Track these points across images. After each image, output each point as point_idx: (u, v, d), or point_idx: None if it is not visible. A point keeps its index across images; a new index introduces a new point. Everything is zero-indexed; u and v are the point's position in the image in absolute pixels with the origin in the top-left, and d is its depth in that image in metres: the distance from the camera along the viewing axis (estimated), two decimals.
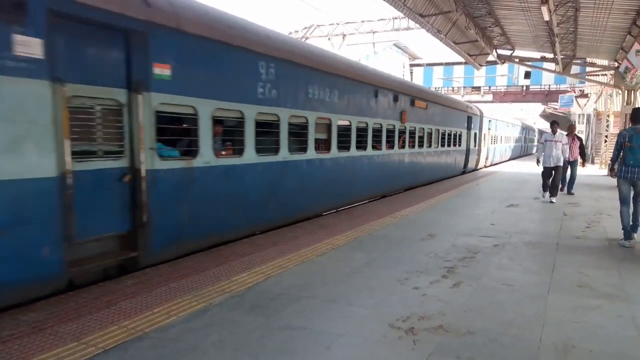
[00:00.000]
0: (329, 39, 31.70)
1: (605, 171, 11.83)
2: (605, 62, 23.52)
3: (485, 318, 4.19)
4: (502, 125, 29.83)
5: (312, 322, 4.07)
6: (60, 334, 3.70)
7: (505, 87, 45.86)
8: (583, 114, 31.67)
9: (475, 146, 22.43)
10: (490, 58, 24.21)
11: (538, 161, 12.40)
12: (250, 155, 7.06)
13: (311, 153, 8.71)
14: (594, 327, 4.05)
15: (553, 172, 11.87)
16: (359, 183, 10.77)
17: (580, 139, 14.24)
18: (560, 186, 12.87)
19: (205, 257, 6.10)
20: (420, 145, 14.56)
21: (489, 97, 45.90)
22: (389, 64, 39.44)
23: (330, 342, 3.69)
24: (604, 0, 13.42)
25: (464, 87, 46.74)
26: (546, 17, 13.77)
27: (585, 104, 30.87)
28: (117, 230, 5.30)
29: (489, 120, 25.34)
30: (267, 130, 7.50)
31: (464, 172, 20.84)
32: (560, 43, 18.40)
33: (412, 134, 13.66)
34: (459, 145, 19.49)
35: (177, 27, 5.68)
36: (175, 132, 6.08)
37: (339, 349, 3.60)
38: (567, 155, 12.04)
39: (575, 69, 26.39)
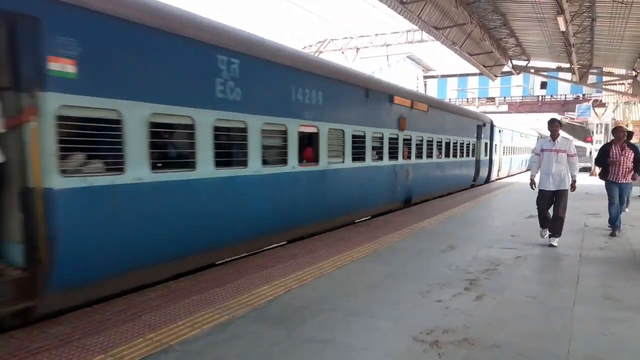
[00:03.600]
0: (342, 52, 31.85)
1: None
2: (622, 71, 23.28)
3: (510, 331, 4.14)
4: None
5: (335, 336, 4.05)
6: (88, 346, 3.74)
7: (521, 98, 45.48)
8: (601, 124, 31.26)
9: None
10: (506, 69, 24.15)
11: (532, 183, 8.32)
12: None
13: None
14: (623, 339, 3.97)
15: (554, 198, 7.87)
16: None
17: (635, 149, 9.10)
18: (612, 221, 8.87)
19: (226, 270, 6.13)
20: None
21: (504, 108, 45.56)
22: (403, 76, 39.50)
23: (355, 355, 3.67)
24: (621, 10, 13.34)
25: (478, 98, 46.51)
26: (562, 28, 13.73)
27: (602, 114, 30.49)
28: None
29: None
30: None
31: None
32: (576, 53, 18.29)
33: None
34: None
35: None
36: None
37: None
38: (575, 172, 7.82)
39: (592, 79, 26.16)
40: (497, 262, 6.60)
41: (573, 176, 7.77)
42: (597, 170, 16.29)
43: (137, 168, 5.17)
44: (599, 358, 3.61)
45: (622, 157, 8.82)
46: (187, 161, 5.90)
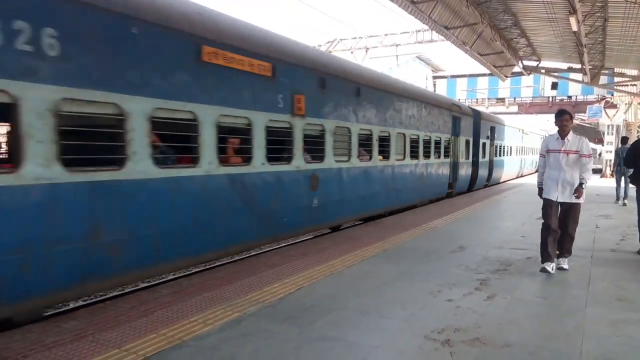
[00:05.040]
0: (352, 52, 31.85)
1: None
2: (634, 72, 23.07)
3: (522, 331, 4.13)
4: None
5: (346, 334, 4.07)
6: (102, 341, 3.79)
7: (531, 98, 45.25)
8: (612, 125, 31.00)
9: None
10: (516, 69, 24.01)
11: (540, 190, 6.52)
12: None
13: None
14: (635, 341, 3.94)
15: (563, 211, 6.32)
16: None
17: None
18: None
19: (237, 268, 6.17)
20: None
21: (514, 109, 45.34)
22: (412, 76, 39.38)
23: (366, 353, 3.69)
24: (634, 11, 13.22)
25: (488, 99, 46.28)
26: (574, 28, 13.61)
27: (614, 115, 30.21)
28: None
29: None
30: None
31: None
32: (588, 53, 18.14)
33: None
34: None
35: None
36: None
37: None
38: (586, 175, 6.08)
39: (603, 80, 25.95)
40: (507, 263, 6.58)
41: (582, 178, 6.08)
42: (608, 171, 16.28)
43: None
44: (612, 359, 3.59)
45: None
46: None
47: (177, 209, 5.63)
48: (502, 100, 46.31)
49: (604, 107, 31.02)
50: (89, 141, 4.66)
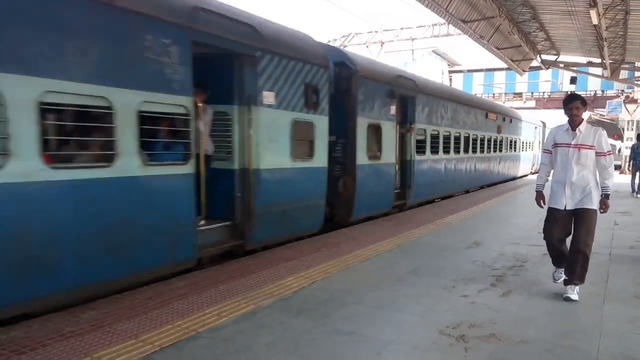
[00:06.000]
0: (367, 46, 31.68)
1: None
2: None
3: (538, 328, 4.09)
4: None
5: (360, 328, 4.07)
6: (119, 331, 3.84)
7: (549, 93, 44.58)
8: (632, 121, 30.43)
9: None
10: (534, 63, 23.68)
11: (541, 197, 5.51)
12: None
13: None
14: None
15: (573, 220, 5.04)
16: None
17: None
18: None
19: (251, 261, 6.20)
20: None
21: (532, 104, 44.70)
22: (428, 71, 39.05)
23: (380, 347, 3.68)
24: None
25: (505, 94, 45.69)
26: (595, 21, 13.36)
27: (634, 110, 29.67)
28: None
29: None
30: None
31: None
32: (608, 47, 17.80)
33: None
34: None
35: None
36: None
37: (389, 354, 3.58)
38: (608, 181, 4.94)
39: (624, 74, 25.46)
40: (524, 259, 6.52)
41: (605, 188, 4.91)
42: (628, 168, 16.20)
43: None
44: (630, 356, 3.54)
45: None
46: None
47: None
48: (519, 95, 45.68)
49: (624, 102, 30.50)
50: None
